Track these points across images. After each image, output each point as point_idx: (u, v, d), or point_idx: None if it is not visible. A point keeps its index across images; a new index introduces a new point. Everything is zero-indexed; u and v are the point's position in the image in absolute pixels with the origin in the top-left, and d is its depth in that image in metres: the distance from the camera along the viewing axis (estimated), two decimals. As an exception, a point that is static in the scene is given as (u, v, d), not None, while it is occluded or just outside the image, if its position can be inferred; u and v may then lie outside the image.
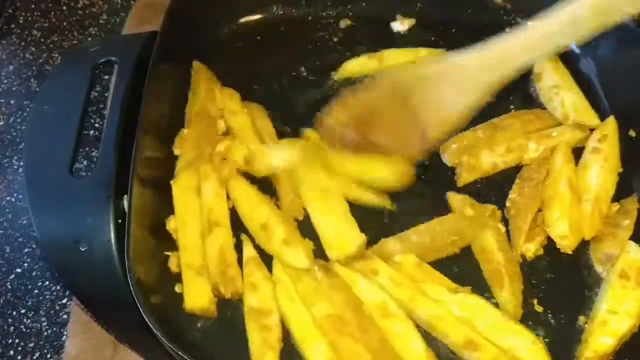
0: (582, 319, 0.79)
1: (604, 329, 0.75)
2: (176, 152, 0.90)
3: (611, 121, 0.92)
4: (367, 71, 0.99)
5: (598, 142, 0.90)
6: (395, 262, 0.81)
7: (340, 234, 0.82)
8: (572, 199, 0.84)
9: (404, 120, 0.84)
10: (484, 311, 0.77)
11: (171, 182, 0.85)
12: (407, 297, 0.77)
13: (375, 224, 0.85)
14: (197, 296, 0.77)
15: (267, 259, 0.81)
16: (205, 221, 0.82)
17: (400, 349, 0.74)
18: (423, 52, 1.02)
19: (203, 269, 0.79)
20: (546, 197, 0.85)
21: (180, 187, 0.85)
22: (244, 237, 0.83)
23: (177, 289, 0.79)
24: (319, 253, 0.82)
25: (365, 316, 0.76)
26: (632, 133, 0.93)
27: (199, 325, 0.78)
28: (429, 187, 0.90)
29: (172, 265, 0.81)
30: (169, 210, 0.84)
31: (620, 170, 0.89)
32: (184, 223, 0.82)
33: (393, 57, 1.01)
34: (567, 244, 0.82)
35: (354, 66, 1.01)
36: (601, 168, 0.87)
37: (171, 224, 0.83)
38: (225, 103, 0.94)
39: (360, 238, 0.82)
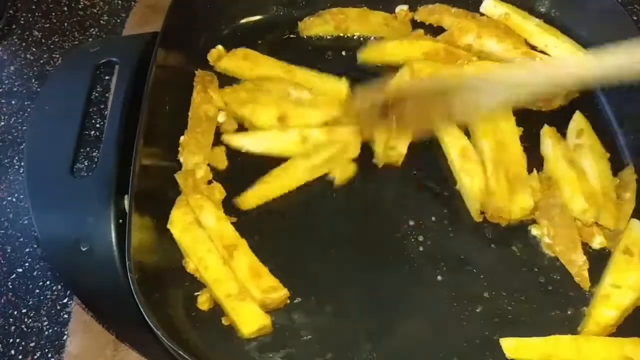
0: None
1: (607, 302, 0.77)
2: (181, 159, 0.89)
3: (579, 116, 0.93)
4: (328, 31, 1.06)
5: (577, 139, 0.91)
6: None
7: None
8: (577, 174, 0.85)
9: (435, 103, 0.88)
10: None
11: (167, 226, 0.82)
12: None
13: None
14: (251, 320, 0.76)
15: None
16: (221, 250, 0.80)
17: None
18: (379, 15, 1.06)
19: (243, 292, 0.77)
20: (553, 183, 0.86)
21: (179, 228, 0.82)
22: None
23: (224, 321, 0.77)
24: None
25: None
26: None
27: (198, 325, 0.78)
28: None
29: (203, 304, 0.78)
30: (170, 210, 0.84)
31: (608, 155, 0.90)
32: (201, 261, 0.79)
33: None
34: (590, 216, 0.83)
35: (317, 25, 1.05)
36: (592, 160, 0.88)
37: (190, 266, 0.80)
38: (233, 98, 0.94)
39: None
